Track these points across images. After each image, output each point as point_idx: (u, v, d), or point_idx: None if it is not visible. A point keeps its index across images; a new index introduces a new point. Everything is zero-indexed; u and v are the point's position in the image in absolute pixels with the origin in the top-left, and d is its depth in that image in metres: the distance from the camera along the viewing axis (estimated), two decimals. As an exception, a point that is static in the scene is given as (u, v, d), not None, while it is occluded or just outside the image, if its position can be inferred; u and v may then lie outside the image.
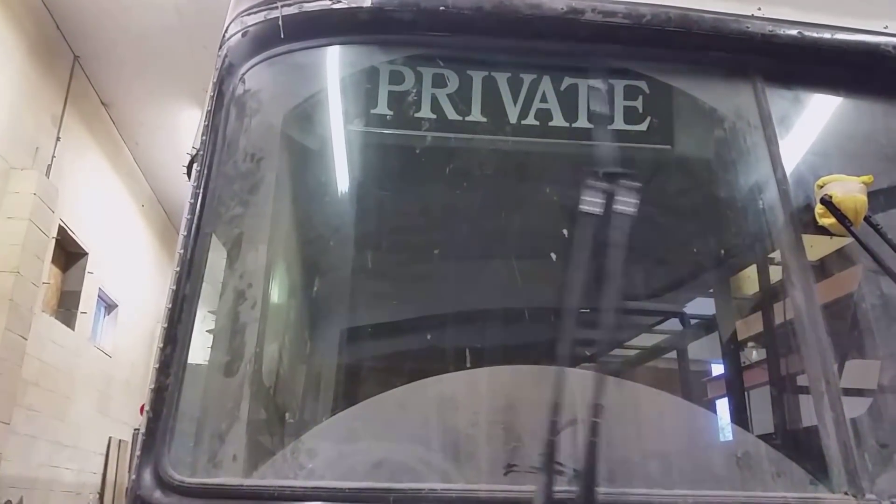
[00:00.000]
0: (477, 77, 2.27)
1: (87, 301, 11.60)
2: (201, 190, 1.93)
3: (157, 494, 1.61)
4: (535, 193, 2.38)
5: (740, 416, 2.89)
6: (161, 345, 1.78)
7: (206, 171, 1.96)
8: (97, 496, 12.52)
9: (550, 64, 2.29)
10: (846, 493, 1.73)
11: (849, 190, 2.04)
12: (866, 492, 1.72)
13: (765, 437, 2.35)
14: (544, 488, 1.50)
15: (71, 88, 10.21)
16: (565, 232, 2.26)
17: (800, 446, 2.16)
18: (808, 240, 2.09)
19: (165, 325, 1.79)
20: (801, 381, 2.36)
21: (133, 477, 1.65)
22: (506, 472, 1.70)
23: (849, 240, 2.09)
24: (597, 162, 2.41)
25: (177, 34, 9.25)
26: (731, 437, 2.07)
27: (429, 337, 1.79)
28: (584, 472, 1.51)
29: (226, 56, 2.14)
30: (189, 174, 2.23)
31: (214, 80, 2.12)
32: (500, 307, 2.30)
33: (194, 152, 2.17)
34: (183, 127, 11.01)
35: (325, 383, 1.92)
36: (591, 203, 1.77)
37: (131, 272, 13.66)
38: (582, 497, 1.49)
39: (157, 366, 1.75)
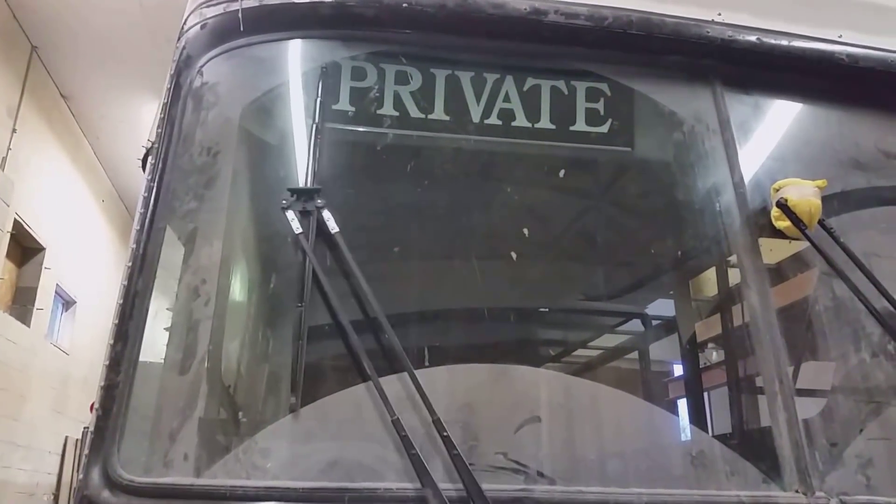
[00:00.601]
0: (440, 75, 2.27)
1: (44, 297, 11.32)
2: (155, 183, 1.90)
3: (106, 494, 1.57)
4: (497, 193, 2.38)
5: (698, 417, 2.92)
6: (112, 341, 1.74)
7: (160, 165, 1.93)
8: (52, 497, 12.23)
9: (513, 64, 2.30)
10: (797, 491, 1.76)
11: (804, 194, 2.08)
12: (816, 490, 1.76)
13: (723, 437, 2.38)
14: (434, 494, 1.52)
15: (28, 80, 9.96)
16: (525, 231, 2.27)
17: (754, 446, 2.19)
18: (769, 243, 2.12)
19: (116, 322, 1.75)
20: (758, 382, 2.40)
21: (81, 476, 1.61)
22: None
23: (806, 243, 2.12)
24: (558, 163, 2.43)
25: (139, 26, 9.08)
26: (686, 437, 2.09)
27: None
28: (465, 484, 1.54)
29: (184, 48, 2.11)
30: (144, 167, 2.18)
31: (172, 73, 2.09)
32: (458, 307, 2.29)
33: (150, 145, 2.13)
34: (145, 121, 10.80)
35: (279, 382, 1.89)
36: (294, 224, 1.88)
37: (90, 268, 13.38)
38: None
39: (107, 363, 1.71)
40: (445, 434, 1.62)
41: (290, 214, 1.87)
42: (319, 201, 1.91)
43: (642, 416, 2.04)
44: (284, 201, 1.91)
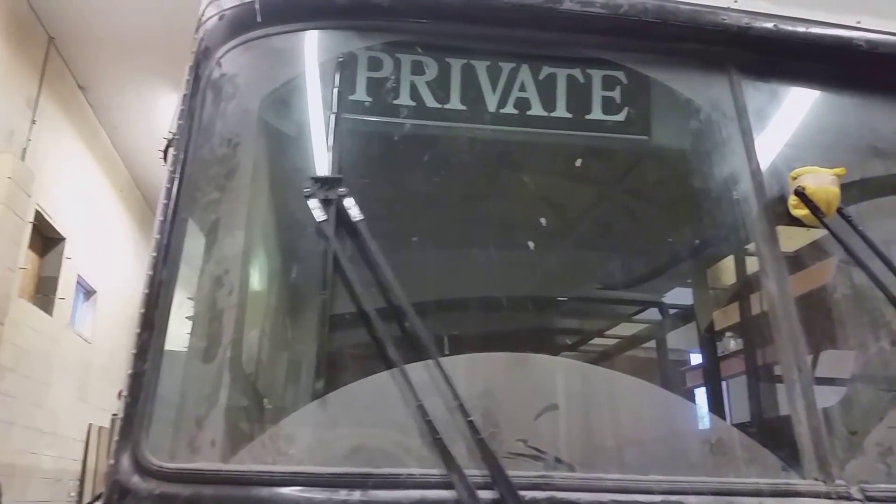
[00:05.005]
0: (456, 65, 2.27)
1: (65, 287, 11.48)
2: (177, 174, 1.92)
3: (136, 479, 1.61)
4: (513, 182, 2.39)
5: (716, 405, 2.93)
6: (138, 330, 1.77)
7: (182, 156, 1.95)
8: (78, 482, 12.44)
9: (529, 53, 2.30)
10: (816, 479, 1.76)
11: (822, 182, 2.07)
12: (836, 477, 1.76)
13: (741, 426, 2.38)
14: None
15: (46, 71, 10.05)
16: (543, 221, 2.28)
17: (773, 434, 2.19)
18: (786, 231, 2.12)
19: (143, 311, 1.79)
20: (776, 370, 2.40)
21: (111, 462, 1.65)
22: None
23: (824, 231, 2.12)
24: (575, 151, 2.44)
25: (155, 17, 9.13)
26: (705, 425, 2.10)
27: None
28: (490, 469, 1.56)
29: (202, 39, 2.13)
30: (165, 158, 2.21)
31: (191, 64, 2.11)
32: (477, 295, 2.31)
33: (171, 136, 2.16)
34: (162, 112, 10.88)
35: (303, 369, 1.92)
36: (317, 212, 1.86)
37: (110, 258, 13.53)
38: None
39: (134, 351, 1.75)
40: (470, 419, 1.63)
41: (313, 203, 1.88)
42: (342, 190, 1.92)
43: (661, 403, 2.05)
44: (307, 189, 1.91)
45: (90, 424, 12.91)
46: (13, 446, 9.91)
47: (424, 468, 1.64)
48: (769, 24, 2.24)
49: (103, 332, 13.38)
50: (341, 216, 1.88)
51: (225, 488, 1.59)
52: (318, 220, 1.86)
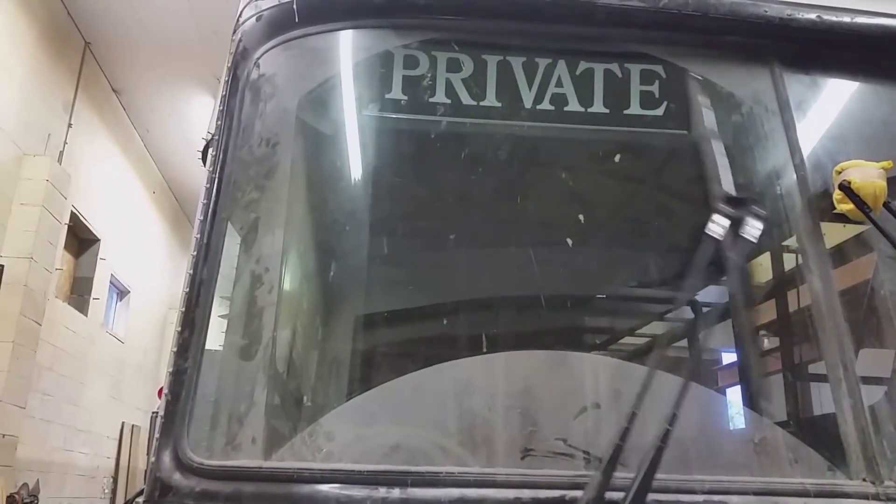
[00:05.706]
0: (492, 61, 2.26)
1: (100, 287, 11.69)
2: (217, 175, 1.94)
3: (177, 476, 1.62)
4: (549, 179, 2.37)
5: (758, 403, 2.87)
6: (179, 328, 1.79)
7: (221, 156, 1.96)
8: (111, 480, 12.66)
9: (566, 48, 2.28)
10: (864, 480, 1.72)
11: (868, 175, 2.02)
12: (885, 478, 1.72)
13: (784, 424, 2.34)
14: (598, 488, 1.49)
15: (82, 75, 10.24)
16: (581, 217, 2.26)
17: (817, 433, 2.15)
18: (823, 227, 2.07)
19: (183, 309, 1.80)
20: (817, 368, 2.35)
21: (153, 459, 1.67)
22: (522, 457, 1.71)
23: (864, 227, 2.07)
24: (612, 147, 2.41)
25: (187, 20, 9.26)
26: (748, 424, 2.06)
27: (445, 322, 1.79)
28: (644, 476, 1.51)
29: (240, 40, 2.14)
30: (204, 159, 2.23)
31: (229, 65, 2.12)
32: (514, 293, 2.30)
33: (209, 137, 2.17)
34: (194, 114, 11.05)
35: (341, 367, 1.93)
36: (717, 228, 1.75)
37: (143, 259, 13.75)
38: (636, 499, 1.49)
39: (175, 349, 1.76)
40: (670, 428, 1.56)
41: (719, 219, 1.78)
42: (752, 209, 1.78)
43: (702, 402, 2.02)
44: (722, 206, 1.79)
45: (123, 423, 13.13)
46: (50, 443, 10.12)
47: (462, 466, 1.63)
48: (812, 15, 2.20)
49: (137, 332, 13.60)
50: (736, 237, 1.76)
51: (265, 485, 1.60)
52: (715, 236, 1.75)
